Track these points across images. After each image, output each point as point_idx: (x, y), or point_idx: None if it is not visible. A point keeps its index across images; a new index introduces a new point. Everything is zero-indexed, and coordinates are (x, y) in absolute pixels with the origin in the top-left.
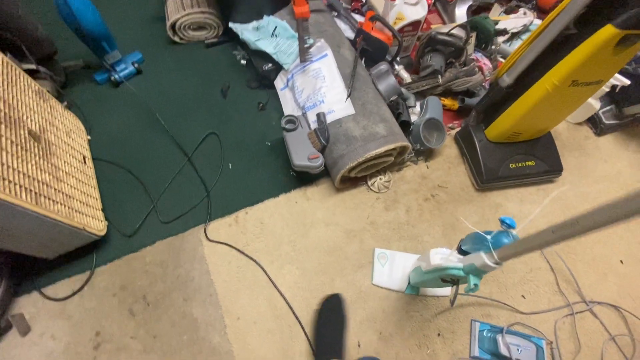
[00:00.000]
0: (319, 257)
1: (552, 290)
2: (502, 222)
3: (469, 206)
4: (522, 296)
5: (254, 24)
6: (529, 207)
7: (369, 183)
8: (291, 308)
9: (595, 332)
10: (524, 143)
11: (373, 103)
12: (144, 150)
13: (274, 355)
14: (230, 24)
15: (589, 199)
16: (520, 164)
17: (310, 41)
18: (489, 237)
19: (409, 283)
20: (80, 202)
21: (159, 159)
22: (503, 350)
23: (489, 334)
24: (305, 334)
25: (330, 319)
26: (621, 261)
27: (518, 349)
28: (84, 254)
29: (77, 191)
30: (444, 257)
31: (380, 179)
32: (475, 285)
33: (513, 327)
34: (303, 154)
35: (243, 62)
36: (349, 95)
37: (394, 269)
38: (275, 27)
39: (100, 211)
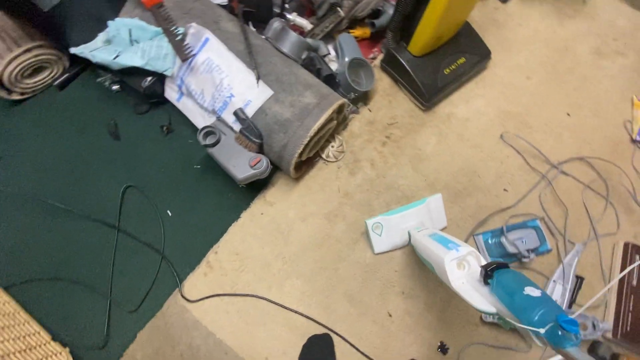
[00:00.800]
0: (312, 255)
1: (525, 171)
2: (562, 325)
3: (423, 130)
4: (504, 190)
5: (101, 37)
6: (477, 103)
7: (323, 156)
8: (312, 319)
9: (572, 188)
10: (448, 44)
11: (287, 72)
12: (60, 247)
13: None
14: (72, 50)
15: (523, 70)
16: (453, 66)
17: (180, 30)
18: (541, 330)
19: (409, 236)
20: (18, 352)
21: (84, 248)
22: (511, 249)
23: (493, 240)
24: (336, 333)
25: None
26: (568, 114)
27: (522, 241)
28: None
29: (7, 342)
30: (465, 285)
31: (332, 146)
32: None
33: (509, 223)
34: (243, 164)
35: (115, 87)
36: (258, 77)
37: (392, 232)
38: (130, 30)
39: (52, 342)
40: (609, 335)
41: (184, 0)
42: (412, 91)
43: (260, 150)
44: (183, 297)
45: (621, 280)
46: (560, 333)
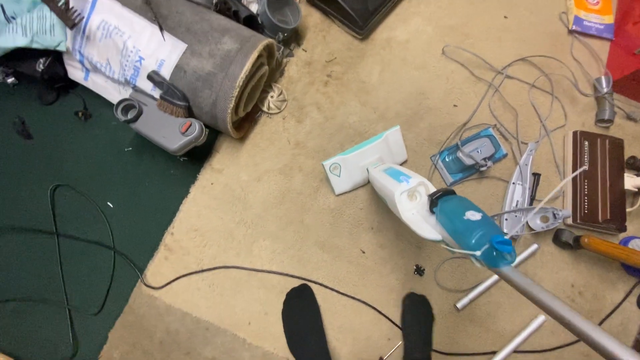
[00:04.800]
0: (275, 213)
1: (472, 82)
2: (495, 247)
3: (364, 61)
4: (454, 105)
5: None
6: (415, 21)
7: (264, 109)
8: (287, 274)
9: (519, 90)
10: None
11: (197, 20)
12: (3, 267)
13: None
14: None
15: None
16: None
17: None
18: (477, 252)
19: (368, 172)
20: None
21: (26, 262)
22: (468, 162)
23: (451, 157)
24: (314, 282)
25: (418, 319)
26: (505, 17)
27: (478, 151)
28: None
29: None
30: (415, 216)
31: (272, 96)
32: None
33: (464, 137)
34: (173, 133)
35: (10, 80)
36: (161, 29)
37: (350, 171)
38: (1, 5)
39: None
40: (570, 221)
41: None
42: (345, 20)
43: (190, 114)
44: (147, 286)
45: (573, 167)
46: (494, 254)
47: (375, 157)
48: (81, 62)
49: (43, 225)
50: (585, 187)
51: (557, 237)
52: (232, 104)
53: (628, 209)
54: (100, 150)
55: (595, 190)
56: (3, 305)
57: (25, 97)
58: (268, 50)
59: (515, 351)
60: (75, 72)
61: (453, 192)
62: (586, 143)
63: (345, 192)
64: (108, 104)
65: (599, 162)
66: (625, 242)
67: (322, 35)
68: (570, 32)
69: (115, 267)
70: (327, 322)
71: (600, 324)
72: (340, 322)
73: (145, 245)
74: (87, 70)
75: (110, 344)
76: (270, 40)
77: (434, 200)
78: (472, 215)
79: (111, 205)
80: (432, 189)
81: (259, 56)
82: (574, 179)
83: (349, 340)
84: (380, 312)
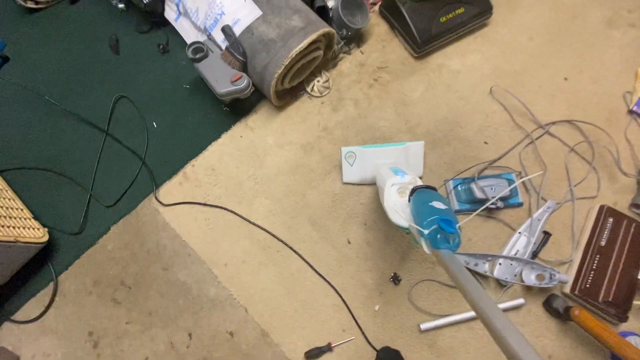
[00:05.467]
0: (284, 180)
1: (510, 127)
2: (440, 224)
3: (412, 77)
4: (485, 142)
5: None
6: (472, 58)
7: (308, 89)
8: (274, 235)
9: (556, 150)
10: None
11: None
12: (53, 142)
13: (273, 281)
14: None
15: (526, 30)
16: (450, 15)
17: None
18: (426, 231)
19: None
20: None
21: (74, 146)
22: (479, 194)
23: (463, 187)
24: (295, 251)
25: None
26: (565, 78)
27: (492, 188)
28: (38, 267)
29: None
30: (395, 206)
31: (318, 81)
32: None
33: (483, 173)
34: (224, 80)
35: (121, 5)
36: None
37: (364, 165)
38: None
39: (32, 219)
40: (567, 290)
41: None
42: (406, 36)
43: (245, 69)
44: (157, 199)
45: (589, 240)
46: (439, 236)
47: (390, 160)
48: (177, 5)
49: (98, 122)
50: (596, 261)
51: (549, 302)
52: (280, 71)
53: (636, 301)
54: (164, 80)
55: (605, 268)
56: (41, 173)
57: (126, 22)
58: (328, 39)
59: None
60: (170, 13)
61: (434, 189)
62: (610, 219)
63: (352, 183)
64: (185, 46)
65: (618, 243)
66: (624, 335)
67: (382, 44)
68: (630, 112)
69: (138, 175)
70: (294, 292)
71: None
72: (305, 296)
73: (168, 167)
74: (179, 14)
75: (109, 236)
76: (332, 30)
77: (414, 189)
78: (438, 205)
79: (155, 126)
80: (420, 184)
81: (318, 40)
82: (586, 250)
83: (307, 316)
84: (344, 302)
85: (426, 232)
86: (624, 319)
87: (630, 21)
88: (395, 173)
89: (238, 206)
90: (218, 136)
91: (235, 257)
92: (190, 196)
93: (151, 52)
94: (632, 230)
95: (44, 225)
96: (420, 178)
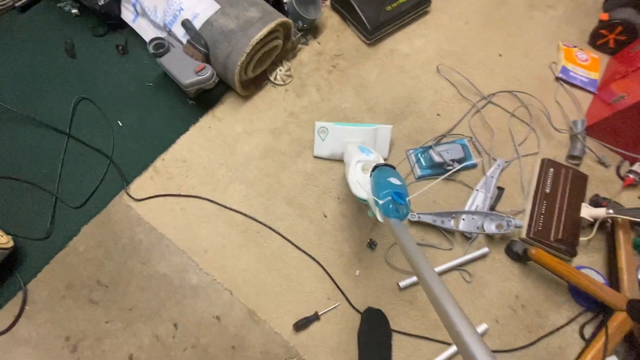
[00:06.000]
0: (257, 164)
1: (458, 100)
2: (393, 196)
3: (367, 62)
4: (438, 114)
5: None
6: (419, 42)
7: (272, 78)
8: (252, 217)
9: (500, 116)
10: None
11: None
12: (13, 149)
13: (255, 261)
14: None
15: (462, 16)
16: (394, 4)
17: None
18: (381, 201)
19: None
20: None
21: (36, 150)
22: (437, 159)
23: (424, 154)
24: (274, 230)
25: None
26: (500, 55)
27: (448, 152)
28: (4, 278)
29: None
30: (359, 182)
31: (280, 70)
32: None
33: (441, 141)
34: (188, 71)
35: (74, 11)
36: None
37: (335, 141)
38: None
39: None
40: (524, 235)
41: None
42: (357, 25)
43: (207, 60)
44: (128, 195)
45: (536, 189)
46: (391, 206)
47: (359, 139)
48: (134, 6)
49: (59, 125)
50: (544, 207)
51: (509, 248)
52: (243, 59)
53: (582, 238)
54: (126, 80)
55: (552, 212)
56: (3, 182)
57: (81, 26)
58: (285, 29)
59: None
60: (127, 14)
61: (393, 167)
62: (551, 170)
63: (322, 157)
64: (145, 45)
65: (560, 189)
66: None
67: (337, 34)
68: (557, 79)
69: (106, 174)
70: (277, 269)
71: (537, 341)
72: (288, 271)
73: (137, 163)
74: (137, 14)
75: (80, 237)
76: (289, 20)
77: (375, 167)
78: (394, 180)
79: (120, 124)
80: (382, 162)
81: (276, 30)
82: (534, 198)
83: (291, 290)
84: (326, 272)
85: (381, 202)
86: (573, 253)
87: (549, 3)
88: (362, 151)
89: (213, 193)
90: (186, 129)
91: (214, 243)
92: (162, 189)
93: (110, 54)
94: (570, 176)
95: (8, 234)
96: (385, 159)
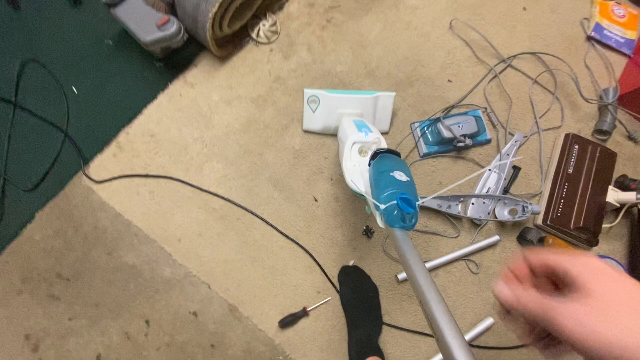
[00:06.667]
0: (236, 139)
1: (472, 63)
2: (398, 202)
3: (368, 16)
4: (449, 81)
5: None
6: None
7: (253, 35)
8: (231, 201)
9: (520, 83)
10: None
11: None
12: None
13: (235, 251)
14: None
15: None
16: None
17: None
18: (382, 206)
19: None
20: None
21: None
22: (446, 134)
23: (430, 128)
24: (258, 215)
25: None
26: (524, 8)
27: (459, 126)
28: None
29: None
30: (354, 168)
31: (264, 25)
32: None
33: (451, 112)
34: (150, 25)
35: None
36: None
37: (327, 113)
38: None
39: None
40: (540, 221)
41: None
42: None
43: (173, 12)
44: (87, 176)
45: (557, 169)
46: (395, 213)
47: (356, 110)
48: None
49: (3, 92)
50: (564, 190)
51: (523, 235)
52: (215, 9)
53: (605, 225)
54: (81, 36)
55: (574, 196)
56: None
57: None
58: None
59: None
60: None
61: (398, 154)
62: (576, 147)
63: (313, 132)
64: None
65: (584, 169)
66: None
67: None
68: (588, 38)
69: (61, 151)
70: (260, 260)
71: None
72: (273, 262)
73: (97, 138)
74: None
75: (35, 224)
76: None
77: (376, 153)
78: (399, 176)
79: (75, 91)
80: (384, 147)
81: None
82: (555, 180)
83: (277, 283)
84: (317, 262)
85: (382, 207)
86: (595, 243)
87: None
88: (359, 129)
89: (186, 174)
90: (154, 97)
91: (189, 230)
92: (128, 168)
93: (60, 4)
94: (597, 154)
95: None
96: (386, 134)
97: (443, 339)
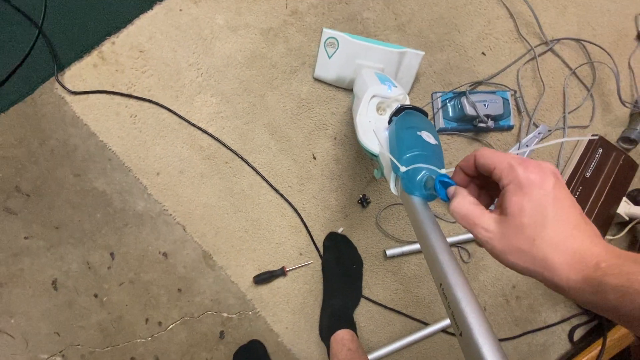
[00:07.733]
0: (237, 74)
1: (512, 38)
2: (436, 185)
3: None
4: (483, 53)
5: None
6: None
7: None
8: (222, 142)
9: (557, 70)
10: None
11: None
12: None
13: (218, 197)
14: None
15: None
16: None
17: None
18: (403, 168)
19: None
20: None
21: None
22: (469, 111)
23: (453, 101)
24: (248, 163)
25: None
26: None
27: (485, 104)
28: None
29: None
30: (369, 125)
31: None
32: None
33: (477, 89)
34: None
35: None
36: None
37: (345, 61)
38: None
39: None
40: None
41: None
42: None
43: None
44: (61, 84)
45: (575, 170)
46: (419, 178)
47: (379, 65)
48: None
49: None
50: (578, 193)
51: None
52: None
53: (608, 236)
54: None
55: (585, 201)
56: None
57: None
58: None
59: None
60: None
61: (426, 114)
62: (600, 150)
63: (324, 81)
64: None
65: (603, 175)
66: None
67: None
68: (639, 36)
69: (33, 48)
70: (244, 210)
71: (521, 335)
72: (258, 215)
73: (77, 42)
74: None
75: None
76: None
77: (401, 109)
78: (427, 137)
79: None
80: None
81: None
82: (569, 181)
83: (258, 237)
84: (304, 223)
85: (403, 169)
86: None
87: None
88: (381, 81)
89: (175, 102)
90: (149, 7)
91: (170, 165)
92: (109, 84)
93: None
94: (620, 162)
95: None
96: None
97: (470, 335)
